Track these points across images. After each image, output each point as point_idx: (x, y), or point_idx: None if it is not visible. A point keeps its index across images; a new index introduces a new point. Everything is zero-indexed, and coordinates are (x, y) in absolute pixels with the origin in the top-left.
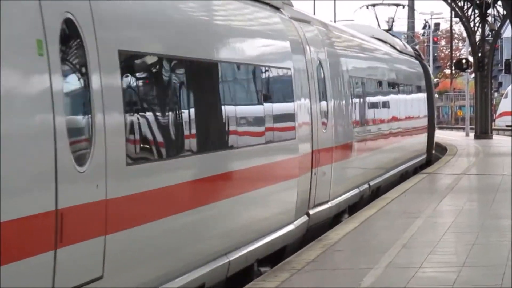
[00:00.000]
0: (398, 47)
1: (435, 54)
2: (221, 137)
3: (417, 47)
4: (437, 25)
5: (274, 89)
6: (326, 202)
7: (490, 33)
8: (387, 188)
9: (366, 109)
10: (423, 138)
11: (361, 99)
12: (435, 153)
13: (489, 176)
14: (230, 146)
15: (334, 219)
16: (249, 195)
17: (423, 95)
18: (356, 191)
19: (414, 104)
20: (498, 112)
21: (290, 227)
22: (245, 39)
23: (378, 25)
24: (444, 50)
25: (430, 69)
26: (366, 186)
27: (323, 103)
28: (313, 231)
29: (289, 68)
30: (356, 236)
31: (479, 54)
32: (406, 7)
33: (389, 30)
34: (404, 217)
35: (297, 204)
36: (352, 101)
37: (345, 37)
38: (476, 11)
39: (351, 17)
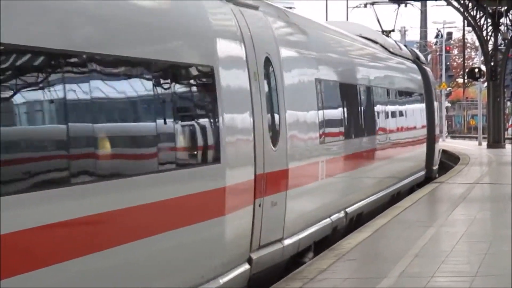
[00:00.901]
0: (391, 49)
1: (448, 63)
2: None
3: (429, 56)
4: (449, 34)
5: (181, 95)
6: (279, 240)
7: (502, 42)
8: (373, 214)
9: (342, 120)
10: (420, 152)
11: (335, 109)
12: (446, 162)
13: (502, 185)
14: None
15: (296, 259)
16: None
17: (420, 103)
18: (326, 222)
19: (408, 113)
20: (511, 121)
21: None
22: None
23: (380, 26)
24: (456, 59)
25: (442, 78)
26: (340, 214)
27: (275, 113)
28: (263, 280)
29: (210, 66)
30: (368, 245)
31: (492, 63)
32: (415, 9)
33: (389, 32)
34: (417, 226)
35: (224, 252)
36: (320, 111)
37: (315, 32)
38: (489, 20)
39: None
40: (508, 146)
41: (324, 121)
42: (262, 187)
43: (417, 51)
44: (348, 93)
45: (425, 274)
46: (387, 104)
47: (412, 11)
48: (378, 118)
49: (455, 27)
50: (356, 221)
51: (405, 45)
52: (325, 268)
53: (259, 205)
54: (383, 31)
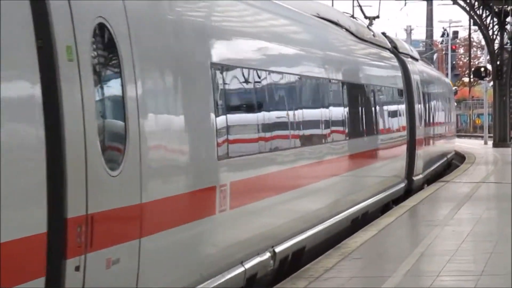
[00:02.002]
0: (358, 34)
1: (454, 62)
2: None
3: (435, 55)
4: (455, 33)
5: None
6: None
7: (508, 41)
8: (323, 248)
9: (260, 125)
10: (396, 161)
11: (249, 109)
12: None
13: (508, 184)
14: None
15: None
16: None
17: (398, 101)
18: (236, 270)
19: (380, 114)
20: None
21: None
22: None
23: (362, 12)
24: (462, 58)
25: (448, 77)
26: (263, 256)
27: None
28: None
29: None
30: (374, 244)
31: (498, 62)
32: (421, 8)
33: (373, 18)
34: (423, 225)
35: None
36: (219, 110)
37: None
38: (495, 19)
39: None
40: None
41: (227, 127)
42: (82, 238)
43: (402, 42)
44: (276, 87)
45: (430, 273)
46: (348, 103)
47: (418, 10)
48: (330, 121)
49: (461, 26)
50: (296, 259)
51: (383, 33)
52: (331, 266)
53: (76, 269)
54: (365, 17)
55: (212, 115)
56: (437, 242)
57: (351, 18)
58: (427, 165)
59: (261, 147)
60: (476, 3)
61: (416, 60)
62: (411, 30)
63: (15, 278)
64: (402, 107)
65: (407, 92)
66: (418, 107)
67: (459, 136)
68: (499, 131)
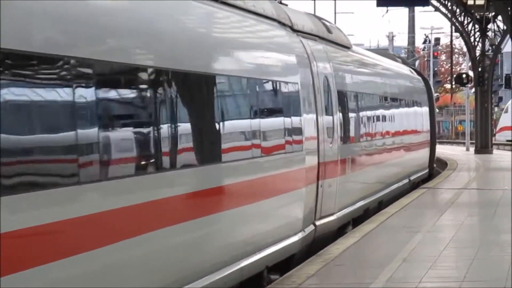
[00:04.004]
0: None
1: (436, 69)
2: None
3: (417, 62)
4: (437, 39)
5: None
6: None
7: (490, 48)
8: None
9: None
10: (285, 201)
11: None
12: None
13: (490, 190)
14: None
15: None
16: None
17: (286, 104)
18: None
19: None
20: (498, 126)
21: None
22: None
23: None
24: (444, 65)
25: (431, 82)
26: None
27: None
28: None
29: None
30: (356, 251)
31: (479, 69)
32: (403, 15)
33: None
34: (404, 231)
35: None
36: None
37: None
38: (476, 26)
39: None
40: (495, 151)
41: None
42: None
43: (312, 17)
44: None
45: (412, 279)
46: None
47: (400, 17)
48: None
49: (443, 32)
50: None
51: (280, 1)
52: (313, 273)
53: None
54: None
55: None
56: (419, 248)
57: None
58: (351, 198)
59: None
60: (458, 10)
61: (346, 47)
62: (393, 36)
63: None
64: (295, 116)
65: (301, 83)
66: (330, 114)
67: (441, 143)
68: (481, 138)
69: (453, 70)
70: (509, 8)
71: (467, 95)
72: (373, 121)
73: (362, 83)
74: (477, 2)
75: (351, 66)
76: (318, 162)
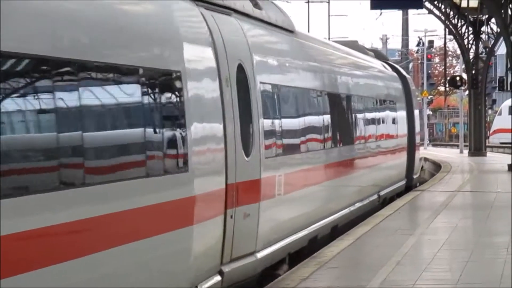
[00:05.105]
0: None
1: (429, 71)
2: None
3: (411, 64)
4: (431, 42)
5: None
6: None
7: (484, 50)
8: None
9: None
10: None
11: None
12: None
13: (483, 193)
14: None
15: None
16: None
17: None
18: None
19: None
20: (492, 129)
21: None
22: None
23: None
24: (438, 67)
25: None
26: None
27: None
28: None
29: None
30: (350, 253)
31: (473, 72)
32: (397, 17)
33: None
34: (398, 234)
35: None
36: None
37: None
38: (470, 28)
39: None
40: (489, 154)
41: None
42: None
43: None
44: None
45: (406, 282)
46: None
47: (394, 19)
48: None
49: (437, 35)
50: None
51: None
52: (307, 276)
53: None
54: None
55: None
56: (413, 251)
57: None
58: (286, 228)
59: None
60: (451, 13)
61: (287, 31)
62: (386, 39)
63: None
64: (168, 121)
65: (197, 81)
66: (249, 117)
67: (435, 145)
68: (474, 140)
69: (447, 72)
70: (502, 11)
71: (461, 98)
72: (323, 125)
73: (306, 77)
74: (471, 5)
75: (291, 54)
76: (227, 184)
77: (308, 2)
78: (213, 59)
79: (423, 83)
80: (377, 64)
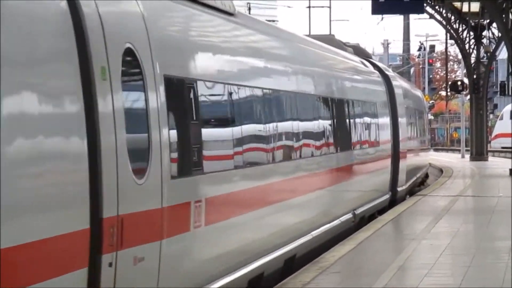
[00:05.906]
0: None
1: (431, 76)
2: None
3: (412, 69)
4: (432, 47)
5: None
6: None
7: (485, 55)
8: None
9: None
10: None
11: None
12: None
13: (485, 198)
14: None
15: None
16: None
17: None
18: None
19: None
20: (494, 133)
21: None
22: None
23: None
24: (439, 72)
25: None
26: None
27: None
28: None
29: None
30: (352, 258)
31: (475, 76)
32: (398, 22)
33: None
34: (400, 239)
35: None
36: None
37: None
38: (471, 33)
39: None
40: (491, 158)
41: None
42: None
43: None
44: None
45: (408, 286)
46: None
47: (395, 24)
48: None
49: (438, 40)
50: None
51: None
52: (309, 281)
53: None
54: None
55: None
56: (415, 255)
57: None
58: (212, 270)
59: None
60: (453, 17)
61: (222, 12)
62: (388, 44)
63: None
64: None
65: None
66: (143, 123)
67: (436, 150)
68: (476, 145)
69: (448, 77)
70: (503, 15)
71: (462, 102)
72: (269, 132)
73: (245, 71)
74: (472, 9)
75: (224, 40)
76: (102, 219)
77: (309, 7)
78: (67, 37)
79: (424, 88)
80: (355, 60)
